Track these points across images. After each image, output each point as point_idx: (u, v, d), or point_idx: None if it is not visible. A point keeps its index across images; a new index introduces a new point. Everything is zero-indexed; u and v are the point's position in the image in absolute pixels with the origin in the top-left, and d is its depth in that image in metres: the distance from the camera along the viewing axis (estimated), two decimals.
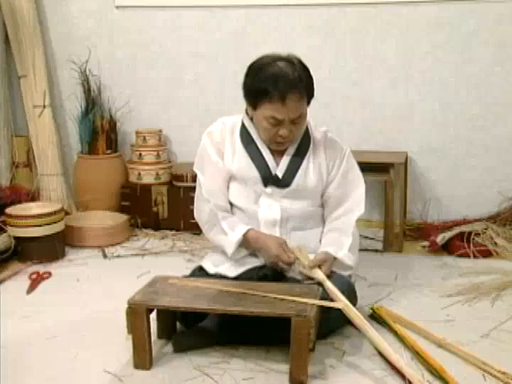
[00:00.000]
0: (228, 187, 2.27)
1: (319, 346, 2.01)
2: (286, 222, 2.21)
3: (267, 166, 2.21)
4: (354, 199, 2.25)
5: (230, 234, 2.16)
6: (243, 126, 2.25)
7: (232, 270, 2.15)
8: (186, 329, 2.12)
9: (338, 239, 2.19)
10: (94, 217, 3.39)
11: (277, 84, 2.05)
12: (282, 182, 2.20)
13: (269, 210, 2.20)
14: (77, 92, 3.63)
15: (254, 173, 2.21)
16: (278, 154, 2.23)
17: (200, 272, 2.22)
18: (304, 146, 2.24)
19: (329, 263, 2.12)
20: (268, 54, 2.15)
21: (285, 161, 2.22)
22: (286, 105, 2.06)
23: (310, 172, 2.23)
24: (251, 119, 2.22)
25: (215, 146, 2.26)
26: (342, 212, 2.25)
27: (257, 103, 2.12)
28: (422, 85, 3.28)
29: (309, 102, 2.16)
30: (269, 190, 2.21)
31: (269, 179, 2.21)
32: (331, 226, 2.25)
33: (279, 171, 2.21)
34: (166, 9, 3.52)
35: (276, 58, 2.12)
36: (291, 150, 2.22)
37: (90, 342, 2.11)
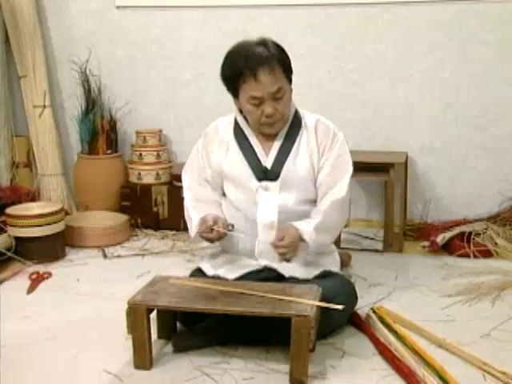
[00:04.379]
0: (216, 186, 2.32)
1: (319, 346, 2.01)
2: (283, 223, 2.20)
3: (258, 160, 2.22)
4: (339, 187, 2.20)
5: (194, 218, 2.22)
6: (236, 123, 2.27)
7: (230, 273, 2.14)
8: (186, 329, 2.13)
9: (310, 219, 2.16)
10: (93, 217, 3.39)
11: (246, 62, 2.09)
12: (272, 174, 2.20)
13: (267, 211, 2.20)
14: (77, 92, 3.63)
15: (246, 168, 2.22)
16: (268, 146, 2.23)
17: (198, 274, 2.22)
18: (293, 134, 2.23)
19: (286, 232, 2.08)
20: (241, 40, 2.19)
21: (273, 152, 2.22)
22: (259, 80, 2.09)
23: (299, 159, 2.21)
24: (240, 112, 2.24)
25: (205, 149, 2.31)
26: (326, 199, 2.21)
27: (236, 90, 2.15)
28: (422, 85, 3.28)
29: (289, 79, 2.17)
30: (264, 184, 2.20)
31: (261, 173, 2.21)
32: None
33: (268, 163, 2.21)
34: (166, 9, 3.52)
35: (246, 42, 2.16)
36: (279, 141, 2.22)
37: (90, 342, 2.11)
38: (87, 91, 3.59)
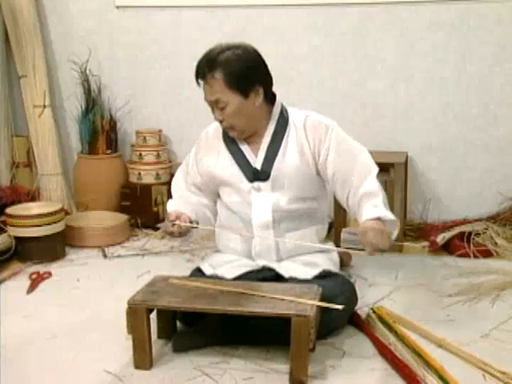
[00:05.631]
0: (206, 189, 2.36)
1: (319, 346, 2.00)
2: (278, 223, 2.21)
3: (248, 161, 2.23)
4: (362, 165, 2.19)
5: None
6: None
7: (229, 273, 2.15)
8: (187, 328, 2.13)
9: (370, 203, 2.11)
10: (93, 217, 3.39)
11: (196, 66, 2.16)
12: (262, 174, 2.21)
13: (261, 211, 2.21)
14: (77, 92, 3.63)
15: (236, 171, 2.23)
16: (256, 147, 2.23)
17: (198, 274, 2.22)
18: (279, 133, 2.23)
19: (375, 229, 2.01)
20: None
21: (262, 152, 2.22)
22: (201, 86, 2.16)
23: (288, 157, 2.21)
24: None
25: (195, 156, 2.36)
26: (357, 182, 2.16)
27: None
28: (422, 85, 3.28)
29: (240, 92, 2.11)
30: (255, 185, 2.21)
31: (251, 174, 2.22)
32: (355, 199, 2.15)
33: (257, 163, 2.22)
34: (166, 9, 3.52)
35: (215, 46, 2.16)
36: (267, 141, 2.23)
37: (90, 342, 2.11)
38: (87, 91, 3.59)
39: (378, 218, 2.04)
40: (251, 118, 2.18)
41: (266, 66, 2.20)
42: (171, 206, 2.33)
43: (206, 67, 2.11)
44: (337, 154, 2.20)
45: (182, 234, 2.19)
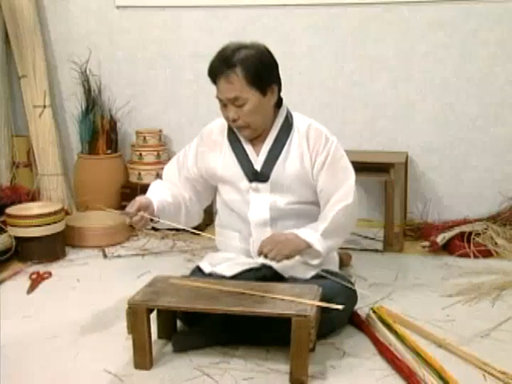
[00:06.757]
0: (197, 187, 2.34)
1: (319, 346, 2.01)
2: (276, 221, 2.21)
3: (249, 161, 2.23)
4: (344, 190, 2.19)
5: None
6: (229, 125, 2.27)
7: (228, 270, 2.15)
8: (187, 327, 2.13)
9: (314, 225, 2.16)
10: (94, 217, 3.39)
11: (212, 65, 2.13)
12: (261, 176, 2.21)
13: (258, 210, 2.21)
14: (77, 92, 3.63)
15: (238, 170, 2.23)
16: (259, 148, 2.23)
17: (198, 273, 2.22)
18: (283, 137, 2.22)
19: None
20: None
21: (263, 154, 2.22)
22: (218, 84, 2.12)
23: (289, 162, 2.20)
24: None
25: (195, 149, 2.34)
26: (331, 205, 2.19)
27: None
28: (423, 85, 3.28)
29: (260, 89, 2.10)
30: (254, 185, 2.21)
31: (252, 174, 2.21)
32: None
33: (258, 165, 2.22)
34: (166, 9, 3.52)
35: (229, 45, 2.14)
36: (269, 144, 2.22)
37: (90, 342, 2.11)
38: (87, 91, 3.60)
39: (306, 241, 2.10)
40: (265, 117, 2.19)
41: (278, 66, 2.20)
42: (152, 190, 2.28)
43: (224, 65, 2.08)
44: (330, 173, 2.19)
45: (140, 225, 2.13)
